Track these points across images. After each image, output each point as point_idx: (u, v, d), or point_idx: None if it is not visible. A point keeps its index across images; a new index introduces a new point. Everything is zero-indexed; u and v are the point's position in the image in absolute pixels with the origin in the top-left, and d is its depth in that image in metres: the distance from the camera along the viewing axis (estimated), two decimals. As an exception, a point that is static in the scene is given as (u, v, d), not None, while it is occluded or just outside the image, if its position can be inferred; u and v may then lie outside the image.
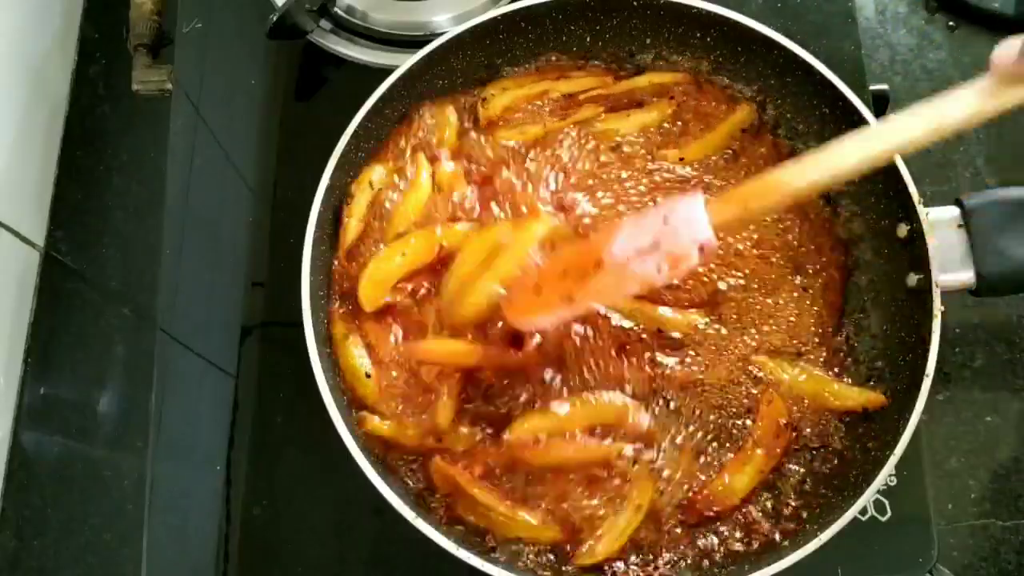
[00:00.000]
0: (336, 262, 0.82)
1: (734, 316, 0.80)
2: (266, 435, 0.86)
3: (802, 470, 0.78)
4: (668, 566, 0.75)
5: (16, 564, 0.90)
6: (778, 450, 0.77)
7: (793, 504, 0.77)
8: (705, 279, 0.81)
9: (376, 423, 0.77)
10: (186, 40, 0.99)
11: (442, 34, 0.83)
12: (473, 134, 0.86)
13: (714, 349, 0.79)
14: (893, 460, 0.71)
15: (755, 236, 0.82)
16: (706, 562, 0.75)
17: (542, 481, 0.76)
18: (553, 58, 0.90)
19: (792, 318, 0.81)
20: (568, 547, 0.75)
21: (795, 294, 0.81)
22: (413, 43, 0.93)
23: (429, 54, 0.82)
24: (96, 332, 0.97)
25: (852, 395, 0.78)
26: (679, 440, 0.77)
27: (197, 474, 0.85)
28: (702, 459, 0.77)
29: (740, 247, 0.82)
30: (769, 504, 0.77)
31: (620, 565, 0.75)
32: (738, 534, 0.76)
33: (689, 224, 0.68)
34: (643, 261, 0.69)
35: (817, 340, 0.80)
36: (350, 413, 0.77)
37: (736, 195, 0.69)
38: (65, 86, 1.06)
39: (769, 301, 0.81)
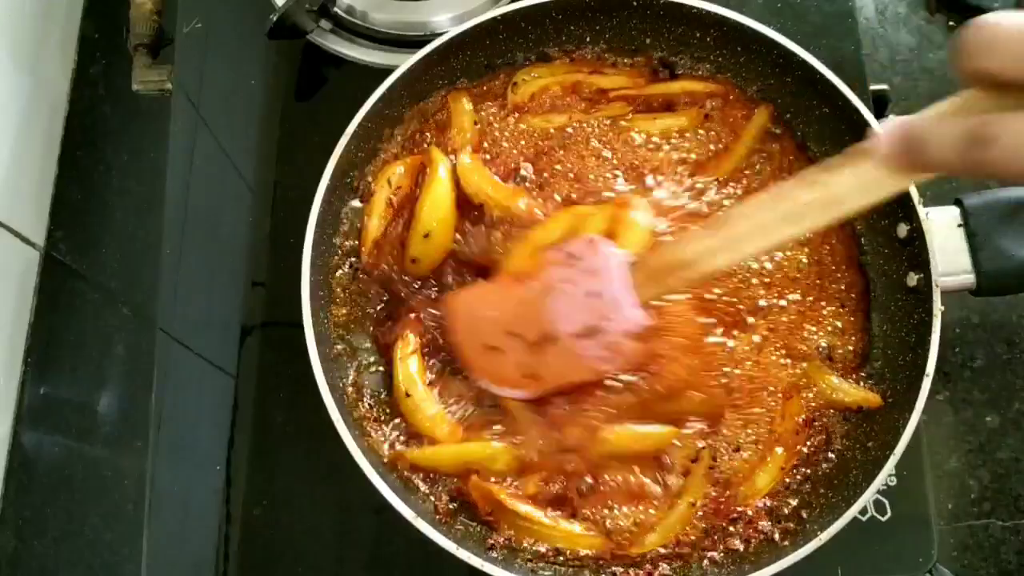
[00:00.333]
0: (359, 259, 0.82)
1: (772, 327, 0.80)
2: (266, 435, 0.86)
3: (803, 469, 0.78)
4: (667, 564, 0.75)
5: (16, 564, 0.90)
6: (799, 447, 0.77)
7: (793, 504, 0.77)
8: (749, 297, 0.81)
9: (415, 454, 0.77)
10: (186, 40, 0.99)
11: (442, 34, 0.83)
12: (496, 122, 0.86)
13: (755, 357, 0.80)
14: (893, 460, 0.71)
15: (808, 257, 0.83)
16: (706, 562, 0.75)
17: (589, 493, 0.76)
18: (588, 51, 0.90)
19: (829, 328, 0.81)
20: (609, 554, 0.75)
21: (833, 307, 0.82)
22: (413, 43, 0.92)
23: (429, 54, 0.82)
24: (96, 332, 0.97)
25: (850, 392, 0.79)
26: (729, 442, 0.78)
27: (197, 474, 0.85)
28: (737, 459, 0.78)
29: (796, 275, 0.82)
30: (769, 504, 0.77)
31: (618, 568, 0.75)
32: (738, 533, 0.76)
33: (620, 309, 0.70)
34: (589, 347, 0.71)
35: (851, 350, 0.81)
36: (351, 417, 0.77)
37: (654, 269, 0.69)
38: (65, 86, 1.06)
39: (810, 317, 0.81)
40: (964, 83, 0.49)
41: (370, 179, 0.84)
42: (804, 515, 0.76)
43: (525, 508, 0.75)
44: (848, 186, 0.58)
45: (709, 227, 0.66)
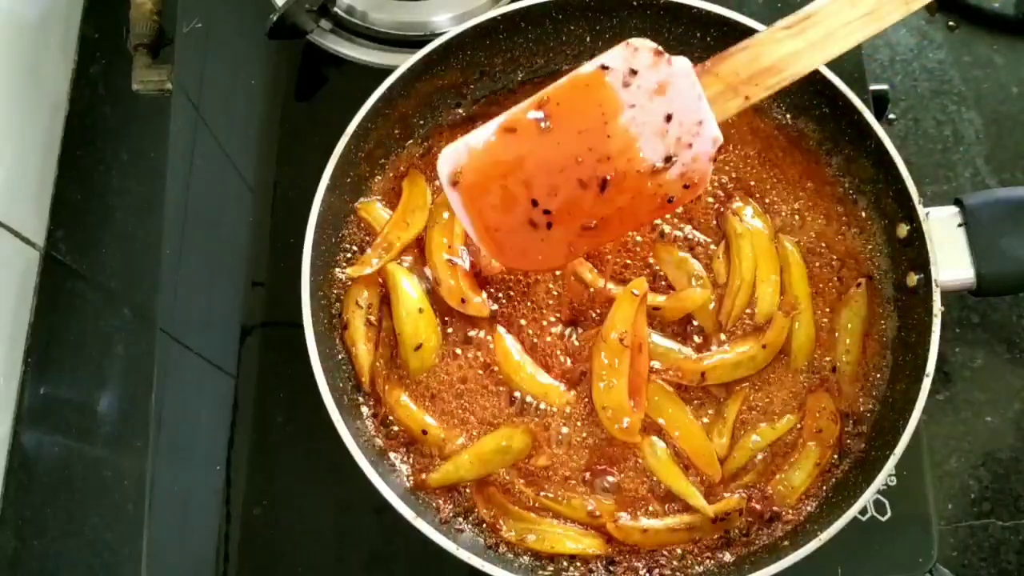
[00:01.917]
0: (363, 389, 0.80)
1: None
2: (266, 435, 0.86)
3: (802, 470, 0.78)
4: (667, 564, 0.75)
5: (16, 564, 0.90)
6: (831, 441, 0.77)
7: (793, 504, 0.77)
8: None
9: (438, 477, 0.76)
10: (186, 40, 0.99)
11: (442, 34, 0.83)
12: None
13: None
14: (893, 460, 0.71)
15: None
16: (710, 561, 0.75)
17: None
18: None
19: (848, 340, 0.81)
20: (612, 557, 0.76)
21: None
22: (413, 43, 0.92)
23: (429, 54, 0.82)
24: (96, 332, 0.97)
25: None
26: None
27: (197, 474, 0.85)
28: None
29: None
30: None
31: (621, 567, 0.75)
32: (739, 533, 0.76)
33: (701, 132, 0.60)
34: (664, 182, 0.61)
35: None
36: (351, 415, 0.77)
37: (733, 78, 0.61)
38: (65, 86, 1.06)
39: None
40: None
41: (341, 300, 0.82)
42: (804, 515, 0.76)
43: (534, 516, 0.76)
44: None
45: (790, 28, 0.61)
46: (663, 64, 0.60)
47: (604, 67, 0.61)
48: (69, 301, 0.99)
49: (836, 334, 0.80)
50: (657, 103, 0.61)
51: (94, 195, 1.02)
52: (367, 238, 0.84)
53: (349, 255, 0.84)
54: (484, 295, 0.80)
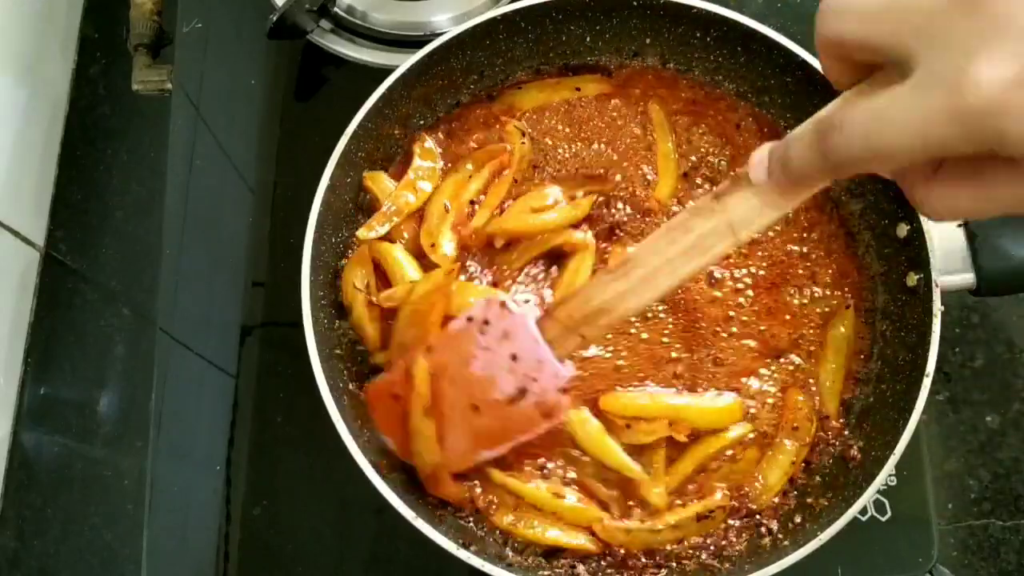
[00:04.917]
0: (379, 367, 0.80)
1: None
2: (266, 435, 0.86)
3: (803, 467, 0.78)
4: (672, 563, 0.75)
5: (16, 564, 0.90)
6: (807, 439, 0.77)
7: (793, 504, 0.77)
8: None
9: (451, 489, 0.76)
10: (186, 40, 0.99)
11: (442, 34, 0.83)
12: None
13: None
14: (893, 460, 0.71)
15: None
16: (713, 561, 0.75)
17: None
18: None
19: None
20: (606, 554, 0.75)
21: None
22: (413, 43, 0.93)
23: (429, 54, 0.82)
24: (96, 332, 0.97)
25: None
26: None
27: (197, 474, 0.85)
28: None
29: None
30: (776, 501, 0.77)
31: (622, 568, 0.75)
32: (739, 532, 0.76)
33: (544, 367, 0.69)
34: (523, 409, 0.70)
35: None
36: (351, 415, 0.77)
37: (567, 321, 0.67)
38: (65, 86, 1.06)
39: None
40: (824, 67, 0.49)
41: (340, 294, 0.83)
42: (804, 515, 0.76)
43: (531, 492, 0.75)
44: (742, 211, 0.56)
45: (614, 271, 0.64)
46: (507, 315, 0.70)
47: (469, 319, 0.72)
48: (69, 301, 0.99)
49: (823, 350, 0.80)
50: (504, 346, 0.70)
51: (94, 195, 1.02)
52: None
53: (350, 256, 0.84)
54: (453, 249, 0.81)
